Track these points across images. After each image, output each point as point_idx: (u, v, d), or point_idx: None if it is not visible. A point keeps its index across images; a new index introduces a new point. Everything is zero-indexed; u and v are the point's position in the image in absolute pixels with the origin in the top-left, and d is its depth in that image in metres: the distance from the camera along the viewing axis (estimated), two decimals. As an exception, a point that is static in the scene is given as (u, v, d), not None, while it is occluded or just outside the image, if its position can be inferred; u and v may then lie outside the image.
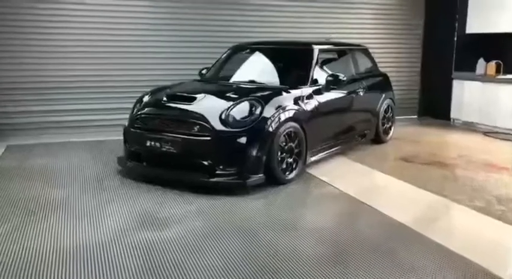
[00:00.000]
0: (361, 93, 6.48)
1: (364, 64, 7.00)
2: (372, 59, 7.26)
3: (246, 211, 4.27)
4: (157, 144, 4.88)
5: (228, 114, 4.75)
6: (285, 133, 4.94)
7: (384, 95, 7.09)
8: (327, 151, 5.86)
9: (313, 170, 5.54)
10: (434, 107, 9.71)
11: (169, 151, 4.81)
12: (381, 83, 7.21)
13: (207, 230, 3.79)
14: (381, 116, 7.02)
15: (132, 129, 5.21)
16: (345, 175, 5.50)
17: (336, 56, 6.66)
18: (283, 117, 4.94)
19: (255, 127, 4.71)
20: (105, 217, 4.05)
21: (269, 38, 8.05)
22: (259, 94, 5.08)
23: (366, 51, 7.18)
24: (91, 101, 7.62)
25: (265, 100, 4.91)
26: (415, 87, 10.06)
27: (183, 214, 4.14)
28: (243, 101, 4.90)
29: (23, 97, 7.30)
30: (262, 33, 8.24)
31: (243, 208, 4.34)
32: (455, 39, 9.22)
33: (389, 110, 7.29)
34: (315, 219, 4.12)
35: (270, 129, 4.77)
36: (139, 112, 5.25)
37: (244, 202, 4.48)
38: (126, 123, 5.37)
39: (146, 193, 4.70)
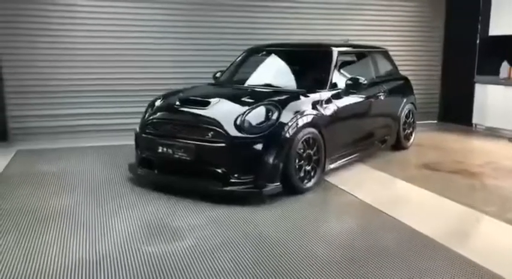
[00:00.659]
0: (382, 97, 6.22)
1: (384, 67, 6.75)
2: (392, 62, 7.00)
3: (261, 220, 4.04)
4: (170, 151, 4.67)
5: (244, 119, 4.53)
6: (303, 139, 4.70)
7: (405, 99, 6.82)
8: (347, 158, 5.60)
9: (331, 178, 5.30)
10: (455, 112, 9.39)
11: (181, 158, 4.60)
12: (401, 87, 6.94)
13: (221, 240, 3.57)
14: (402, 121, 6.75)
15: (143, 135, 5.01)
16: (364, 184, 5.24)
17: (355, 59, 6.41)
18: (301, 122, 4.70)
19: (272, 133, 4.48)
20: (113, 227, 3.85)
21: (284, 40, 7.81)
22: (276, 98, 4.85)
23: (386, 54, 6.92)
24: (104, 105, 7.50)
25: (282, 105, 4.68)
26: (435, 91, 9.76)
27: (196, 224, 3.92)
28: (259, 106, 4.68)
29: (34, 100, 7.19)
30: (277, 36, 8.02)
31: (258, 217, 4.11)
32: (478, 41, 8.89)
33: (411, 115, 7.02)
34: (332, 228, 3.87)
35: (288, 135, 4.54)
36: (151, 117, 5.06)
37: (260, 212, 4.25)
38: (137, 128, 5.19)
39: (157, 202, 4.49)
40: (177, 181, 4.73)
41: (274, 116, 4.57)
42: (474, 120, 8.89)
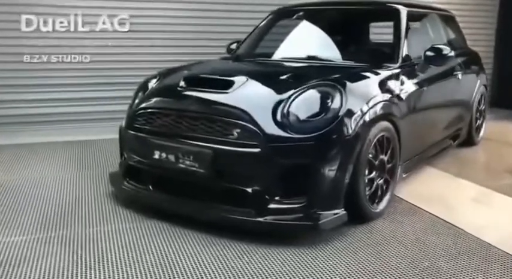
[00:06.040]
0: (459, 77, 4.59)
1: (454, 37, 5.11)
2: (460, 31, 5.36)
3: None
4: (171, 157, 3.03)
5: (288, 111, 2.88)
6: (376, 139, 3.08)
7: (479, 80, 5.23)
8: (419, 163, 4.02)
9: (401, 192, 3.69)
10: (513, 96, 7.84)
11: (190, 169, 2.96)
12: (473, 63, 5.33)
13: None
14: (475, 109, 5.14)
15: (130, 131, 3.36)
16: (457, 202, 3.62)
17: (422, 24, 4.76)
18: (371, 113, 3.07)
19: (332, 132, 2.84)
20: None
21: None
22: (333, 76, 3.19)
23: (453, 19, 5.27)
24: (80, 88, 5.76)
25: (344, 86, 3.03)
26: (486, 70, 8.13)
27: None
28: (309, 88, 3.02)
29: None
30: None
31: (311, 273, 2.49)
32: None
33: (483, 101, 5.43)
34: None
35: (355, 134, 2.91)
36: (142, 106, 3.39)
37: (315, 261, 2.63)
38: (123, 122, 3.52)
39: (149, 239, 2.86)
40: (183, 205, 3.09)
41: (335, 104, 2.92)
42: (538, 106, 7.37)
